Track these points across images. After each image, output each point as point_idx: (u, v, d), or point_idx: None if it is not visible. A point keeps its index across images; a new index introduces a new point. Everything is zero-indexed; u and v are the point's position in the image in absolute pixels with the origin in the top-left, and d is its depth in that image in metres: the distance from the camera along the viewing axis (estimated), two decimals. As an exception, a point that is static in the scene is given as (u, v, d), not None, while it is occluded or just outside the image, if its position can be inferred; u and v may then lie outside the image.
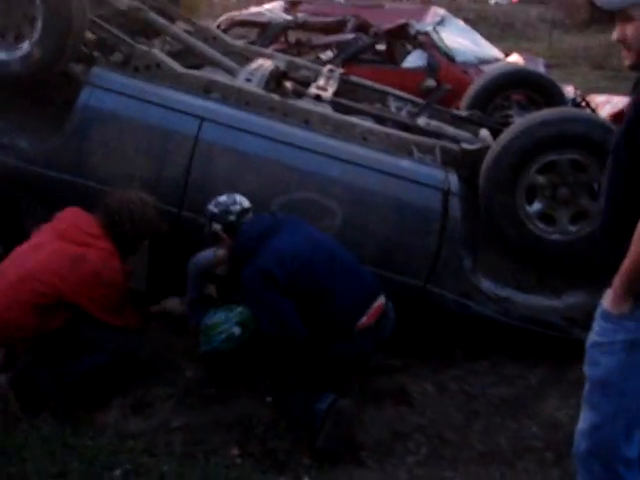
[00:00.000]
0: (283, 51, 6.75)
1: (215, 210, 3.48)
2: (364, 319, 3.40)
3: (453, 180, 3.84)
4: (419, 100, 4.97)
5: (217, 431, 3.46)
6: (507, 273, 4.07)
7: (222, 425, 3.49)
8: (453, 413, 3.64)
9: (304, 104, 4.04)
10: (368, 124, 4.05)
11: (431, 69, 7.27)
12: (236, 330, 3.56)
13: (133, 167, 3.82)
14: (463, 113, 4.85)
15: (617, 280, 2.16)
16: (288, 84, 4.26)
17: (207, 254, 3.76)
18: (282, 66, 4.65)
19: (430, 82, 5.97)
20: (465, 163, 4.04)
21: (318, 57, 7.87)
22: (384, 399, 3.71)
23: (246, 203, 3.51)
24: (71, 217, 3.57)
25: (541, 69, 7.24)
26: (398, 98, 4.87)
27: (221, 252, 3.61)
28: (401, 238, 3.82)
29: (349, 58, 7.44)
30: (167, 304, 3.97)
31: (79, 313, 3.48)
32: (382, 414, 3.59)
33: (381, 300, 3.50)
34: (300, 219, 3.59)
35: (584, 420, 2.34)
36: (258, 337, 3.50)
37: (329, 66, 5.22)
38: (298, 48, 7.93)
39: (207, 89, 3.98)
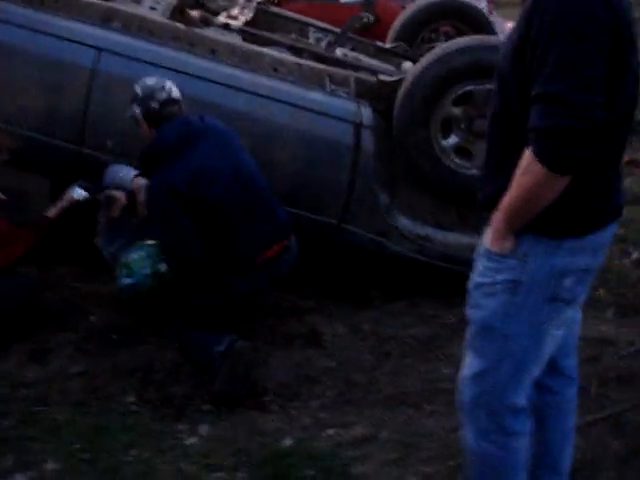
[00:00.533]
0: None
1: (139, 91, 3.21)
2: (265, 254, 3.24)
3: (366, 113, 3.66)
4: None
5: (116, 378, 3.31)
6: (426, 211, 3.92)
7: (122, 372, 3.34)
8: (364, 355, 3.52)
9: (211, 33, 3.81)
10: (278, 54, 3.84)
11: (367, 3, 6.99)
12: (162, 267, 3.39)
13: (25, 101, 3.58)
14: (387, 45, 4.64)
15: (498, 216, 1.99)
16: (195, 13, 4.01)
17: (127, 172, 3.57)
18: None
19: (363, 16, 5.71)
20: (382, 95, 3.84)
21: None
22: (293, 341, 3.58)
23: (175, 93, 3.24)
24: None
25: (482, 5, 7.01)
26: (319, 29, 4.65)
27: (141, 181, 3.39)
28: (312, 174, 3.65)
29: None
30: (68, 196, 3.59)
31: None
32: (290, 357, 3.47)
33: (288, 240, 3.35)
34: (230, 130, 3.34)
35: (468, 367, 2.17)
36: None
37: (250, -5, 4.96)
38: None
39: (107, 18, 3.74)
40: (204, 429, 3.04)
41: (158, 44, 3.64)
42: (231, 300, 3.26)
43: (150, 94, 3.20)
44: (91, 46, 3.55)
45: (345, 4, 7.31)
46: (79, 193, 3.55)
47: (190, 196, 3.10)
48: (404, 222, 3.83)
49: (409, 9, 5.18)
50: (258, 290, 3.36)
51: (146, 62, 3.56)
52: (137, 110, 3.21)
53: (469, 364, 2.17)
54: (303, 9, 5.96)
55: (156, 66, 3.56)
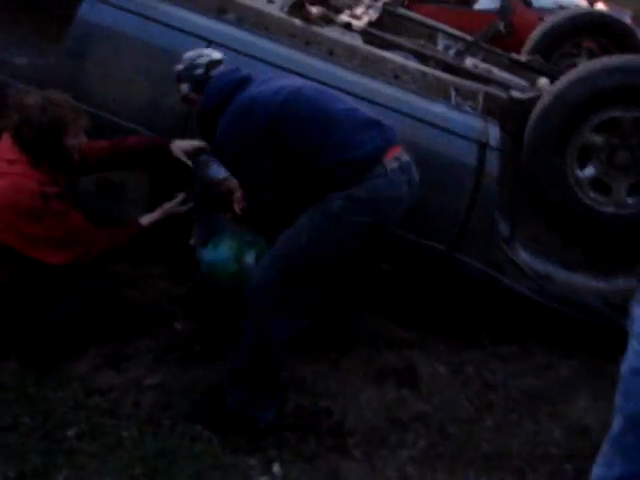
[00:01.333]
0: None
1: (180, 67, 2.94)
2: (387, 153, 2.70)
3: (494, 132, 3.27)
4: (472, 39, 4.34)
5: (193, 395, 3.07)
6: (550, 246, 3.50)
7: (200, 388, 3.10)
8: (463, 403, 3.15)
9: (330, 33, 3.51)
10: (401, 60, 3.50)
11: (503, 11, 6.56)
12: (250, 257, 3.06)
13: (130, 91, 3.38)
14: (522, 58, 4.22)
15: None
16: (316, 9, 3.72)
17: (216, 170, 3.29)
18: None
19: (499, 25, 5.28)
20: (513, 114, 3.45)
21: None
22: (387, 378, 3.25)
23: (217, 54, 2.95)
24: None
25: (626, 20, 6.45)
26: (449, 36, 4.27)
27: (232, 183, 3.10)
28: (427, 194, 3.28)
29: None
30: (167, 208, 3.34)
31: (26, 262, 3.04)
32: (381, 395, 3.14)
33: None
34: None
35: (608, 465, 1.77)
36: None
37: (380, -4, 4.63)
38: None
39: (222, 9, 3.50)
40: (277, 468, 2.75)
41: (270, 40, 3.37)
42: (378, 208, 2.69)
43: (191, 64, 2.92)
44: (202, 38, 3.32)
45: (479, 11, 6.93)
46: (179, 206, 3.34)
47: (264, 120, 2.68)
48: (523, 256, 3.42)
49: (550, 20, 4.74)
50: (401, 198, 2.73)
51: (255, 58, 3.29)
52: (185, 87, 2.93)
53: (610, 462, 1.75)
54: (433, 13, 5.64)
55: (265, 63, 3.29)
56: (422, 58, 3.75)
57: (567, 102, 3.16)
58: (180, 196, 3.31)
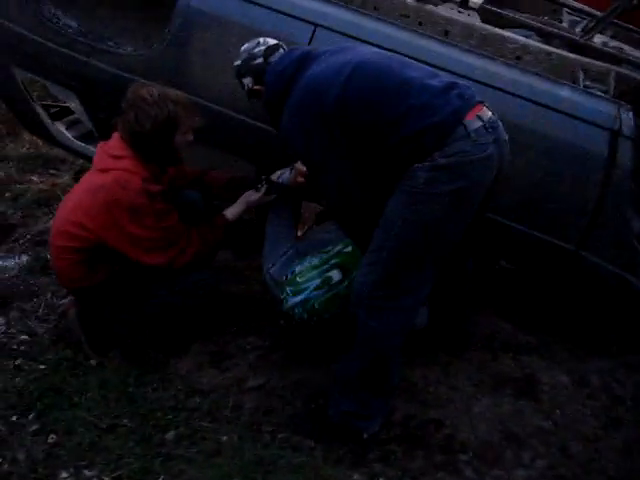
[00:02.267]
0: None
1: (239, 62, 2.79)
2: (467, 113, 2.45)
3: (627, 118, 2.92)
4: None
5: (296, 399, 2.94)
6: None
7: (303, 394, 2.95)
8: (588, 419, 2.86)
9: (445, 11, 3.24)
10: (523, 40, 3.19)
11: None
12: (335, 274, 2.87)
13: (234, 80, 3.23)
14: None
15: None
16: (431, -14, 3.45)
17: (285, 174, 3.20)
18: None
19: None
20: (649, 97, 3.09)
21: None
22: (504, 387, 3.01)
23: (272, 41, 2.78)
24: (106, 141, 3.05)
25: None
26: (575, 11, 3.89)
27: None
28: (553, 187, 2.99)
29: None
30: (250, 198, 3.21)
31: (124, 261, 2.99)
32: (497, 407, 2.90)
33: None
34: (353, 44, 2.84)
35: None
36: None
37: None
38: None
39: (328, -11, 3.28)
40: (384, 484, 2.58)
41: (380, 21, 3.13)
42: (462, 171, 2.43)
43: (249, 55, 2.76)
44: (307, 21, 3.12)
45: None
46: (263, 196, 3.20)
47: (330, 102, 2.47)
48: (659, 257, 3.07)
49: None
50: (488, 157, 2.44)
51: (364, 41, 3.04)
52: (248, 81, 2.78)
53: None
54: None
55: (375, 46, 3.04)
56: (546, 37, 3.42)
57: None
58: (263, 187, 3.17)
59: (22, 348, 3.20)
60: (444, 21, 3.20)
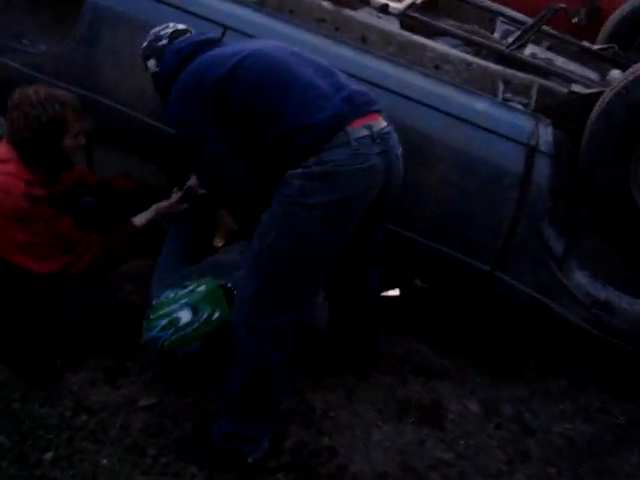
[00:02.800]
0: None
1: (145, 43, 2.64)
2: (353, 121, 2.28)
3: (545, 133, 2.77)
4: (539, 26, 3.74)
5: (187, 421, 2.76)
6: (612, 268, 2.98)
7: (196, 414, 2.78)
8: (494, 451, 2.69)
9: (363, 17, 3.10)
10: (443, 49, 3.04)
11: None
12: (183, 315, 2.64)
13: (147, 81, 3.08)
14: (594, 47, 3.64)
15: None
16: (354, -12, 3.30)
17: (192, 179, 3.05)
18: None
19: (580, 13, 4.54)
20: (573, 112, 2.94)
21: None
22: (408, 413, 2.83)
23: (182, 26, 2.65)
24: None
25: None
26: (509, 20, 3.74)
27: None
28: (465, 204, 2.85)
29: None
30: (162, 204, 3.08)
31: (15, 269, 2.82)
32: (398, 435, 2.73)
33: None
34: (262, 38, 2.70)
35: None
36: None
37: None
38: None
39: (245, -10, 3.14)
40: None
41: (294, 25, 2.98)
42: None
43: (155, 37, 2.62)
44: (217, 22, 2.97)
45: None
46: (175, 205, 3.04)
47: (212, 82, 2.32)
48: (579, 280, 2.91)
49: (630, 2, 4.06)
50: (368, 169, 2.27)
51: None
52: (152, 63, 2.62)
53: None
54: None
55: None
56: (474, 46, 3.27)
57: (632, 99, 2.64)
58: (176, 195, 3.02)
59: None
60: (362, 27, 3.05)
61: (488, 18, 3.79)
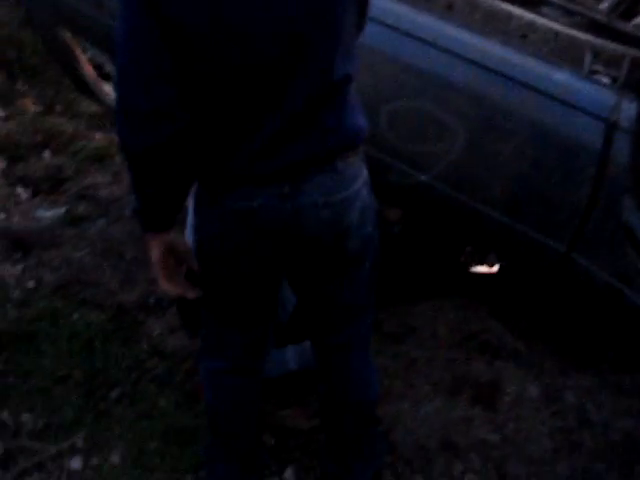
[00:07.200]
0: None
1: None
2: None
3: (628, 110, 2.56)
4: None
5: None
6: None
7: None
8: (543, 438, 2.57)
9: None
10: (531, 17, 2.88)
11: None
12: None
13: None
14: None
15: None
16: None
17: None
18: None
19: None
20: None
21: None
22: (462, 391, 2.76)
23: None
24: None
25: None
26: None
27: None
28: (541, 180, 2.70)
29: None
30: None
31: None
32: (448, 411, 2.67)
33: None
34: None
35: None
36: None
37: None
38: None
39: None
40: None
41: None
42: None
43: None
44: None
45: None
46: None
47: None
48: (661, 268, 2.70)
49: None
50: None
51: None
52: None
53: None
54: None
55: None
56: (570, 13, 3.06)
57: None
58: None
59: (21, 295, 3.37)
60: (448, -7, 2.95)
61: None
